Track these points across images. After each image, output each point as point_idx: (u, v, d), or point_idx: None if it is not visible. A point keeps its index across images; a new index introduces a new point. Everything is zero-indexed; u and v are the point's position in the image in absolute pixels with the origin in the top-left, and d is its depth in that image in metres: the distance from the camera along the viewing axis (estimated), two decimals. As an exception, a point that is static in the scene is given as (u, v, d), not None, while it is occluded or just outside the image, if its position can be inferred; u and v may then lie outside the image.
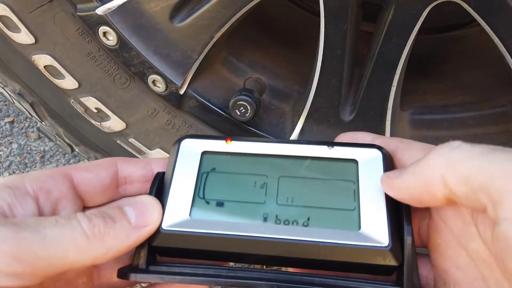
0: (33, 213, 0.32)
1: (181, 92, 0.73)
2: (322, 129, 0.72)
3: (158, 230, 0.37)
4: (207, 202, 0.39)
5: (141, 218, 0.33)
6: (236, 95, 0.69)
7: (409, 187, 0.33)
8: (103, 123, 0.79)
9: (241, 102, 0.69)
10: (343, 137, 0.43)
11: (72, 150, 0.90)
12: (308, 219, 0.38)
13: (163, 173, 0.41)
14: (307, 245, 0.36)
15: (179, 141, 0.42)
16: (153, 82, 0.72)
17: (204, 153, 0.41)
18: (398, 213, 0.37)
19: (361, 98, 0.68)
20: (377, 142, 0.41)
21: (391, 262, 0.35)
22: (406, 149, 0.39)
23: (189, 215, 0.38)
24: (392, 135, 0.70)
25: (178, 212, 0.38)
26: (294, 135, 0.73)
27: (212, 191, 0.39)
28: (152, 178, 0.40)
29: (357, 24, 0.64)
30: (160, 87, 0.73)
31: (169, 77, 0.71)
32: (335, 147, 0.41)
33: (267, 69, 0.78)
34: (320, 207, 0.38)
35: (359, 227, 0.36)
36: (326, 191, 0.39)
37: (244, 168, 0.41)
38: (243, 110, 0.69)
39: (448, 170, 0.29)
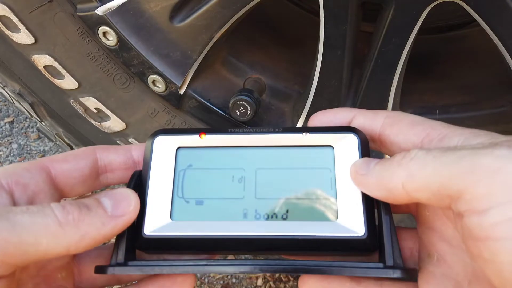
0: (7, 206, 0.32)
1: (181, 92, 0.73)
2: (322, 129, 0.72)
3: (141, 235, 0.37)
4: (187, 202, 0.39)
5: (117, 207, 0.33)
6: (236, 95, 0.69)
7: (374, 189, 0.34)
8: (103, 123, 0.79)
9: (241, 102, 0.69)
10: (323, 115, 0.42)
11: (72, 150, 0.89)
12: (287, 211, 0.38)
13: (140, 171, 0.40)
14: (287, 240, 0.36)
15: (152, 137, 0.41)
16: (153, 82, 0.72)
17: (179, 149, 0.41)
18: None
19: (361, 98, 0.68)
20: (360, 119, 0.40)
21: (368, 250, 0.36)
22: (393, 124, 0.38)
23: (170, 217, 0.38)
24: (392, 135, 0.70)
25: (159, 215, 0.38)
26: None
27: (190, 190, 0.39)
28: (132, 165, 0.40)
29: (357, 24, 0.64)
30: (160, 87, 0.73)
31: (169, 77, 0.71)
32: (309, 133, 0.40)
33: (267, 69, 0.78)
34: (298, 198, 0.38)
35: (336, 217, 0.37)
36: (303, 181, 0.39)
37: (220, 162, 0.40)
38: (243, 110, 0.69)
39: (407, 181, 0.31)
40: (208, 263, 0.35)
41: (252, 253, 0.38)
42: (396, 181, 0.31)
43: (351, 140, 0.39)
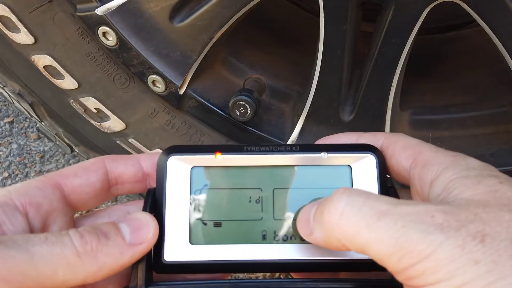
0: (23, 229, 0.31)
1: (181, 92, 0.73)
2: (322, 129, 0.72)
3: (161, 261, 0.37)
4: (204, 224, 0.39)
5: (136, 235, 0.32)
6: (236, 95, 0.69)
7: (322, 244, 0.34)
8: (103, 123, 0.79)
9: (241, 102, 0.69)
10: (325, 141, 0.42)
11: (72, 150, 0.89)
12: None
13: (154, 189, 0.39)
14: (307, 263, 0.37)
15: (165, 155, 0.40)
16: (153, 82, 0.72)
17: (193, 168, 0.40)
18: None
19: (361, 98, 0.68)
20: (361, 141, 0.41)
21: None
22: (389, 146, 0.39)
23: (189, 241, 0.38)
24: (391, 135, 0.70)
25: (178, 239, 0.38)
26: (294, 135, 0.73)
27: (208, 211, 0.39)
28: (142, 177, 0.40)
29: (357, 24, 0.64)
30: (160, 87, 0.73)
31: (169, 77, 0.71)
32: (328, 153, 0.40)
33: (267, 69, 0.77)
34: None
35: None
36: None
37: (237, 182, 0.40)
38: (243, 110, 0.69)
39: (348, 242, 0.31)
40: (230, 283, 0.35)
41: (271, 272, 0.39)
42: (336, 244, 0.32)
43: (369, 160, 0.40)
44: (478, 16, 0.57)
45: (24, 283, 0.26)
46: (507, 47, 0.59)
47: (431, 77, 0.78)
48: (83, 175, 0.36)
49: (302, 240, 0.38)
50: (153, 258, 0.37)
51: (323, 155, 0.40)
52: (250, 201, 0.39)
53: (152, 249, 0.36)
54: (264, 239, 0.38)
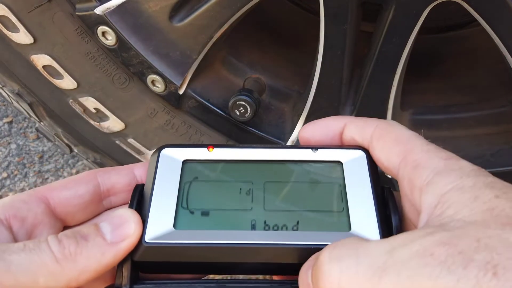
0: (7, 241, 0.31)
1: (181, 92, 0.72)
2: (322, 129, 0.72)
3: (141, 243, 0.35)
4: (192, 212, 0.37)
5: (117, 233, 0.32)
6: (236, 95, 0.69)
7: None
8: (102, 123, 0.79)
9: (241, 102, 0.69)
10: (313, 126, 0.41)
11: (71, 150, 0.89)
12: (298, 223, 0.37)
13: (143, 184, 0.39)
14: (299, 249, 0.35)
15: (158, 150, 0.40)
16: (152, 82, 0.72)
17: (185, 161, 0.40)
18: (385, 205, 0.37)
19: (361, 98, 0.68)
20: (351, 128, 0.39)
21: None
22: (380, 138, 0.37)
23: (173, 226, 0.36)
24: (392, 135, 0.70)
25: (161, 224, 0.36)
26: (294, 135, 0.73)
27: (196, 201, 0.38)
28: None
29: (357, 24, 0.64)
30: (159, 87, 0.72)
31: (168, 77, 0.71)
32: (319, 149, 0.40)
33: (267, 69, 0.77)
34: (309, 210, 0.37)
35: (350, 228, 0.36)
36: (313, 194, 0.38)
37: (228, 175, 0.39)
38: (243, 110, 0.69)
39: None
40: (219, 286, 0.34)
41: (261, 266, 0.36)
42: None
43: (360, 155, 0.39)
44: (479, 15, 0.57)
45: None
46: (508, 46, 0.58)
47: (432, 77, 0.78)
48: (72, 187, 0.36)
49: (293, 230, 0.36)
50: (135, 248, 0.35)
51: (315, 151, 0.40)
52: (240, 193, 0.38)
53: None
54: (253, 228, 0.36)
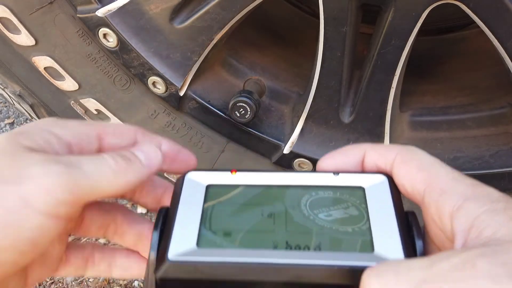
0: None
1: (181, 93, 0.73)
2: (322, 131, 0.72)
3: (164, 260, 0.36)
4: (214, 233, 0.38)
5: (149, 159, 0.39)
6: (236, 97, 0.69)
7: None
8: (103, 125, 0.79)
9: (241, 104, 0.69)
10: (332, 158, 0.41)
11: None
12: (320, 244, 0.37)
13: (167, 208, 0.40)
14: (321, 269, 0.34)
15: (183, 176, 0.42)
16: (153, 83, 0.73)
17: (209, 186, 0.41)
18: (409, 228, 0.37)
19: (361, 99, 0.68)
20: (372, 154, 0.40)
21: None
22: (402, 164, 0.37)
23: (196, 244, 0.37)
24: (391, 136, 0.70)
25: (184, 242, 0.37)
26: (294, 137, 0.73)
27: (218, 222, 0.39)
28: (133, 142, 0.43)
29: (357, 26, 0.64)
30: (160, 88, 0.73)
31: (169, 78, 0.71)
32: (340, 174, 0.40)
33: (267, 70, 0.78)
34: (330, 233, 0.37)
35: (373, 249, 0.36)
36: (335, 218, 0.38)
37: (250, 199, 0.40)
38: (243, 111, 0.69)
39: None
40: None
41: (283, 283, 0.36)
42: None
43: (382, 180, 0.39)
44: (477, 17, 0.57)
45: (80, 193, 0.34)
46: (506, 48, 0.59)
47: (431, 78, 0.78)
48: (119, 136, 0.42)
49: (315, 250, 0.36)
50: (156, 262, 0.36)
51: (337, 176, 0.40)
52: (262, 215, 0.39)
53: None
54: (275, 248, 0.37)
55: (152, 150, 0.40)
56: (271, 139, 0.74)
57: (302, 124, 0.72)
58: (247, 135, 0.75)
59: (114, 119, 0.78)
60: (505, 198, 0.32)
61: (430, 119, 0.73)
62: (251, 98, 0.69)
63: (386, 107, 0.68)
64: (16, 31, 0.72)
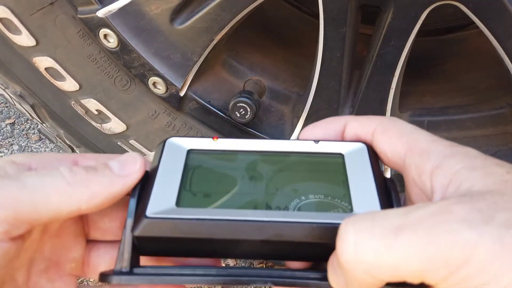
0: None
1: (181, 94, 0.73)
2: (322, 131, 0.72)
3: (143, 217, 0.35)
4: (194, 194, 0.38)
5: (124, 168, 0.34)
6: (236, 97, 0.70)
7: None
8: (104, 125, 0.80)
9: (241, 104, 0.69)
10: (313, 128, 0.42)
11: (73, 151, 0.90)
12: (300, 204, 0.37)
13: (147, 171, 0.39)
14: (301, 227, 0.34)
15: (164, 141, 0.41)
16: (154, 84, 0.73)
17: (190, 151, 0.41)
18: (388, 193, 0.38)
19: (360, 100, 0.68)
20: (353, 124, 0.40)
21: None
22: (383, 132, 0.38)
23: (176, 204, 0.37)
24: (391, 136, 0.70)
25: (164, 202, 0.36)
26: (294, 137, 0.73)
27: (198, 185, 0.39)
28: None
29: (356, 26, 0.64)
30: (161, 89, 0.73)
31: (170, 79, 0.71)
32: (320, 142, 0.41)
33: (267, 71, 0.78)
34: (310, 195, 0.38)
35: (352, 210, 0.37)
36: (314, 183, 0.39)
37: (231, 164, 0.40)
38: (243, 112, 0.69)
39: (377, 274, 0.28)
40: (219, 271, 0.34)
41: (262, 246, 0.35)
42: (371, 281, 0.28)
43: (360, 147, 0.40)
44: (477, 18, 0.58)
45: (19, 207, 0.29)
46: (506, 49, 0.59)
47: (430, 79, 0.78)
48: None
49: (295, 210, 0.36)
50: (134, 220, 0.35)
51: (317, 143, 0.41)
52: (243, 179, 0.39)
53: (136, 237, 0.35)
54: (255, 208, 0.37)
55: (131, 158, 0.36)
56: (271, 139, 0.74)
57: (302, 124, 0.72)
58: (247, 135, 0.75)
59: (114, 120, 0.79)
60: (482, 156, 0.32)
61: (429, 119, 0.73)
62: (251, 99, 0.69)
63: (386, 107, 0.68)
64: (17, 31, 0.73)
